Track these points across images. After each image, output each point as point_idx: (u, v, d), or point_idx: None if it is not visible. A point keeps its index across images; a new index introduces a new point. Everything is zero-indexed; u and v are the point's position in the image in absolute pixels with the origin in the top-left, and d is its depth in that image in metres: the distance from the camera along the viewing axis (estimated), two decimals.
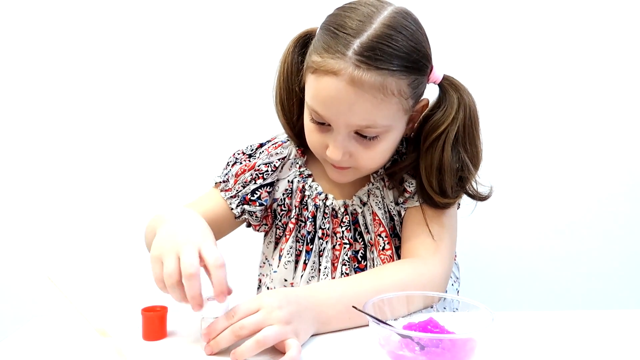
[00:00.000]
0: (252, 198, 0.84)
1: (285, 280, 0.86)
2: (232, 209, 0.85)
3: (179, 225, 0.65)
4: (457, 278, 0.93)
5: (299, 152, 0.87)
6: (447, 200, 0.79)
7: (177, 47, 1.33)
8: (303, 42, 0.81)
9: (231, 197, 0.85)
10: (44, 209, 1.35)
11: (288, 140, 0.88)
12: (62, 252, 1.36)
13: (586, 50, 1.33)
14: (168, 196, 1.35)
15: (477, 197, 0.82)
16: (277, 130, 0.90)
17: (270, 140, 0.89)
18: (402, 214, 0.84)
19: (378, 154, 0.77)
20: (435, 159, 0.77)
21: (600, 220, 1.38)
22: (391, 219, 0.85)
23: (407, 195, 0.83)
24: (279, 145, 0.87)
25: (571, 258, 1.38)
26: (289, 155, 0.87)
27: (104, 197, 1.35)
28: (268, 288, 0.88)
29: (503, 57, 1.33)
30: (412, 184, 0.83)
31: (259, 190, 0.84)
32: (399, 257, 0.84)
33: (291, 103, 0.82)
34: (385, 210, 0.85)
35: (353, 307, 0.62)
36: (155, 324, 0.64)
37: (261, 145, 0.88)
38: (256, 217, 0.86)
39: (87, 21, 1.32)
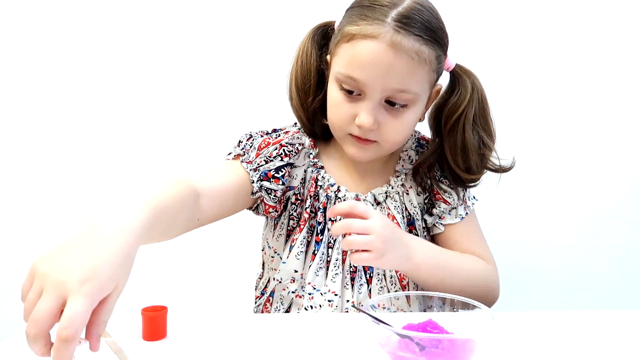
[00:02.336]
0: (275, 175, 0.82)
1: (296, 271, 0.85)
2: (252, 182, 0.82)
3: (91, 243, 0.49)
4: None
5: (312, 142, 0.88)
6: (472, 176, 0.85)
7: (176, 47, 1.33)
8: (322, 32, 0.85)
9: (253, 169, 0.82)
10: (44, 209, 1.35)
11: (300, 130, 0.89)
12: None
13: (593, 41, 1.33)
14: None
15: (501, 170, 0.87)
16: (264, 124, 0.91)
17: (282, 129, 0.89)
18: (435, 230, 0.88)
19: (403, 125, 0.79)
20: (458, 139, 0.82)
21: (600, 220, 1.38)
22: (410, 223, 0.87)
23: (445, 206, 0.87)
24: (295, 133, 0.88)
25: (571, 258, 1.38)
26: (305, 143, 0.88)
27: (104, 197, 1.35)
28: (274, 279, 0.88)
29: (507, 52, 1.32)
30: (450, 195, 0.87)
31: (284, 168, 0.83)
32: None
33: (307, 86, 0.84)
34: (403, 215, 0.86)
35: (352, 306, 0.62)
36: (155, 324, 0.64)
37: (275, 130, 0.88)
38: (275, 196, 0.83)
39: (88, 20, 1.32)
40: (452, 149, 0.84)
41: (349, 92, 0.77)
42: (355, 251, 0.70)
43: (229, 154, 0.86)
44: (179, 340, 0.65)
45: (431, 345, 0.56)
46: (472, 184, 0.88)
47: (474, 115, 0.82)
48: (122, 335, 0.64)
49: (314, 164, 0.87)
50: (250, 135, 0.87)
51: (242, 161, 0.83)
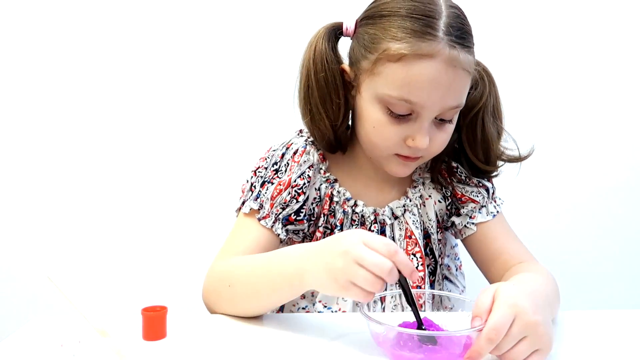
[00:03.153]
0: (298, 218, 0.80)
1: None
2: (278, 235, 0.79)
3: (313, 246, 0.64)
4: (464, 287, 0.92)
5: (320, 156, 0.83)
6: (491, 167, 0.84)
7: (177, 49, 1.33)
8: (335, 38, 0.79)
9: (273, 222, 0.79)
10: (44, 209, 1.35)
11: (306, 144, 0.83)
12: (62, 252, 1.36)
13: (593, 40, 1.33)
14: (168, 196, 1.35)
15: (518, 159, 0.85)
16: (273, 129, 0.89)
17: (288, 147, 0.84)
18: (467, 231, 0.84)
19: (448, 136, 0.78)
20: (478, 131, 0.81)
21: (600, 220, 1.38)
22: (426, 236, 0.85)
23: (473, 205, 0.83)
24: (303, 152, 0.82)
25: (571, 258, 1.38)
26: (314, 160, 0.83)
27: (104, 197, 1.35)
28: None
29: (505, 51, 1.32)
30: (479, 193, 0.84)
31: (304, 207, 0.80)
32: (429, 274, 0.84)
33: (337, 106, 0.78)
34: (421, 230, 0.84)
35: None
36: (155, 324, 0.64)
37: (283, 155, 0.83)
38: (303, 233, 0.83)
39: (89, 20, 1.32)
40: (471, 142, 0.82)
41: (399, 115, 0.72)
42: None
43: (244, 203, 0.81)
44: (179, 340, 0.65)
45: (429, 342, 0.56)
46: (492, 175, 0.86)
47: (492, 107, 0.81)
48: (122, 335, 0.64)
49: (326, 179, 0.83)
50: (264, 180, 0.81)
51: (259, 219, 0.79)
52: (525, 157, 0.86)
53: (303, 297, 0.84)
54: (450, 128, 0.77)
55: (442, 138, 0.76)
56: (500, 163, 0.85)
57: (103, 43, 1.32)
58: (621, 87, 1.34)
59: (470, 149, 0.83)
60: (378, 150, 0.78)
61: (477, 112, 0.80)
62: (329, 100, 0.78)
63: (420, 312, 0.60)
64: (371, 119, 0.75)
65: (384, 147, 0.76)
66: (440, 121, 0.74)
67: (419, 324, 0.60)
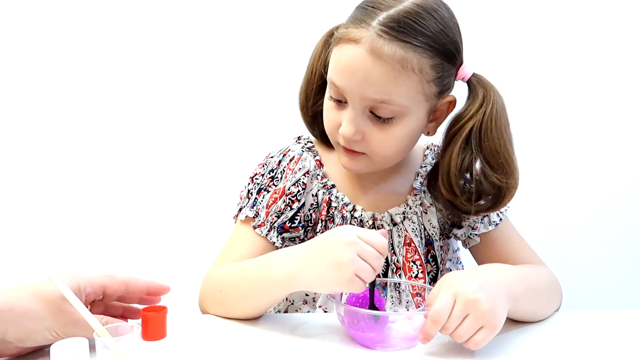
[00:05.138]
0: (292, 225, 0.80)
1: (307, 295, 0.83)
2: (273, 243, 0.79)
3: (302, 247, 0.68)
4: None
5: (317, 162, 0.84)
6: (457, 200, 0.75)
7: (177, 48, 1.33)
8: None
9: (268, 230, 0.79)
10: (44, 209, 1.35)
11: (303, 150, 0.84)
12: (62, 252, 1.36)
13: (593, 47, 1.33)
14: (169, 196, 1.35)
15: (489, 208, 0.77)
16: (272, 129, 0.89)
17: (285, 154, 0.84)
18: (471, 242, 0.83)
19: (391, 139, 0.73)
20: (447, 154, 0.75)
21: (600, 220, 1.38)
22: (428, 243, 0.83)
23: (475, 217, 0.81)
24: (299, 159, 0.82)
25: (571, 258, 1.38)
26: (310, 167, 0.83)
27: (105, 197, 1.35)
28: (286, 300, 0.85)
29: (504, 57, 1.33)
30: (479, 204, 0.80)
31: (298, 214, 0.80)
32: (431, 281, 0.83)
33: (310, 89, 0.82)
34: (421, 237, 0.82)
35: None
36: (155, 324, 0.64)
37: (279, 162, 0.83)
38: (300, 240, 0.82)
39: (89, 20, 1.32)
40: (444, 165, 0.75)
41: (337, 100, 0.74)
42: (468, 339, 0.60)
43: (240, 210, 0.82)
44: (179, 340, 0.65)
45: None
46: (465, 213, 0.78)
47: (470, 133, 0.73)
48: (122, 335, 0.64)
49: (323, 185, 0.82)
50: (260, 187, 0.82)
51: (254, 227, 0.79)
52: (498, 207, 0.76)
53: (305, 302, 0.84)
54: (393, 131, 0.72)
55: (382, 138, 0.72)
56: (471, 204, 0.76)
57: (103, 45, 1.32)
58: (621, 86, 1.34)
59: (440, 168, 0.77)
60: (329, 138, 0.79)
61: (456, 132, 0.74)
62: (305, 88, 0.83)
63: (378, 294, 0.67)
64: (324, 103, 0.78)
65: (329, 133, 0.78)
66: (377, 118, 0.71)
67: (371, 303, 0.66)
